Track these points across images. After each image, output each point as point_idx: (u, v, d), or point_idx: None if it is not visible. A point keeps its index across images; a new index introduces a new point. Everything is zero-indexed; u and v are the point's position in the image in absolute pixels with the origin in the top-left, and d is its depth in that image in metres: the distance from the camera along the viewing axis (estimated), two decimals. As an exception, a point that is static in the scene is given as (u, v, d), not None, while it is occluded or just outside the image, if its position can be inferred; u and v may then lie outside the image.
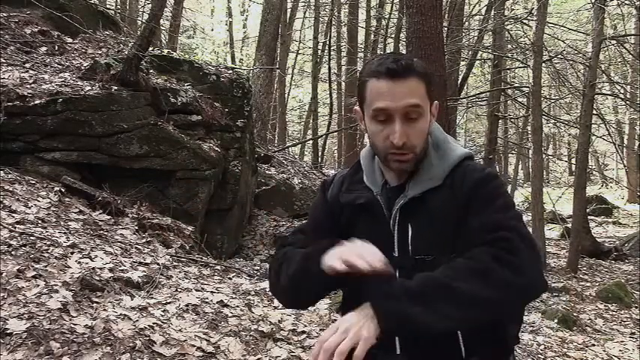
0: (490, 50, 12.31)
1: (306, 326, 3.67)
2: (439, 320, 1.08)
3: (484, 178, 1.24)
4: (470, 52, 12.76)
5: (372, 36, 15.71)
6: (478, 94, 14.38)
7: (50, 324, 2.83)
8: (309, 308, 3.98)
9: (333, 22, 16.00)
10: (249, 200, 7.21)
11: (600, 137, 11.95)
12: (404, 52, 8.00)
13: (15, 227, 3.74)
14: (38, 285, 3.15)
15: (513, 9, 14.24)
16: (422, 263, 1.21)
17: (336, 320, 1.36)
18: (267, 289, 4.00)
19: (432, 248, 1.23)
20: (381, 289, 1.13)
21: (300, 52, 19.02)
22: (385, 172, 1.34)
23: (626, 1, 10.72)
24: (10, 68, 5.39)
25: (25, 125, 4.99)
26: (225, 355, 3.08)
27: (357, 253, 1.13)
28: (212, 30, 22.52)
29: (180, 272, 4.15)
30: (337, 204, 1.38)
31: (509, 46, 12.66)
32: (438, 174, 1.27)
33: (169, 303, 3.50)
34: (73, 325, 2.89)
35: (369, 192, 1.32)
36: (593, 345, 4.83)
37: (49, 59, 5.87)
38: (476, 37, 12.49)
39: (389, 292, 1.11)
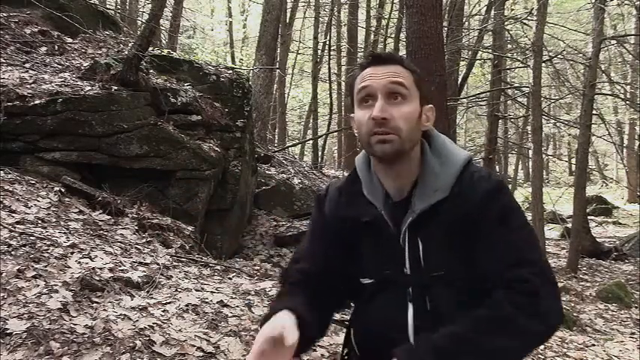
0: (490, 50, 12.30)
1: (306, 326, 3.67)
2: None
3: (495, 189, 1.19)
4: (470, 52, 12.75)
5: (372, 36, 15.70)
6: (478, 94, 14.38)
7: (50, 324, 2.83)
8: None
9: (333, 22, 16.00)
10: (249, 200, 7.21)
11: (600, 137, 11.96)
12: (404, 52, 7.99)
13: (15, 227, 3.74)
14: (38, 285, 3.15)
15: (513, 9, 14.24)
16: (436, 279, 1.18)
17: (334, 320, 1.38)
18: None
19: (445, 264, 1.18)
20: (407, 348, 1.09)
21: (300, 52, 19.01)
22: (385, 181, 1.27)
23: (626, 1, 10.72)
24: (10, 68, 5.39)
25: (25, 125, 4.99)
26: (225, 355, 3.08)
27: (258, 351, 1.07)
28: (212, 30, 22.52)
29: (180, 272, 4.15)
30: (337, 219, 1.31)
31: (509, 46, 12.67)
32: (445, 184, 1.20)
33: (169, 303, 3.50)
34: (73, 325, 2.89)
35: (372, 207, 1.25)
36: (593, 345, 4.83)
37: (49, 59, 5.87)
38: (476, 37, 12.49)
39: (415, 352, 1.08)
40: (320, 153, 13.12)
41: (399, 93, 1.19)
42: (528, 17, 10.31)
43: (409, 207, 1.21)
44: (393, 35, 14.58)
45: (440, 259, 1.18)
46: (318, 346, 3.41)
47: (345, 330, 1.40)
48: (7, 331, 2.69)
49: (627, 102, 13.75)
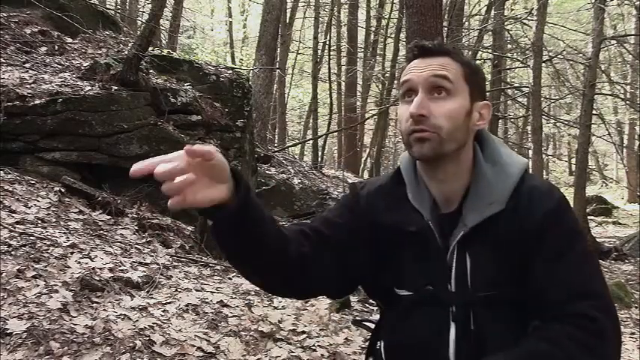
0: (490, 50, 12.31)
1: (306, 326, 3.67)
2: None
3: (557, 210, 1.07)
4: (470, 52, 12.75)
5: (372, 36, 15.72)
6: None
7: (50, 324, 2.83)
8: (310, 308, 3.98)
9: (333, 22, 16.00)
10: (249, 200, 7.21)
11: (600, 137, 11.96)
12: (404, 52, 7.98)
13: (15, 227, 3.74)
14: (38, 285, 3.15)
15: (513, 9, 14.24)
16: (482, 300, 1.07)
17: (334, 320, 1.33)
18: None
19: (493, 283, 1.06)
20: None
21: (300, 52, 19.01)
22: (430, 186, 1.15)
23: (626, 1, 10.72)
24: (10, 68, 5.39)
25: (25, 125, 4.99)
26: (225, 355, 3.08)
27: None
28: (212, 30, 22.52)
29: (180, 272, 4.15)
30: (375, 224, 1.17)
31: (509, 46, 12.67)
32: (500, 196, 1.08)
33: (169, 303, 3.50)
34: (73, 325, 2.89)
35: (418, 215, 1.13)
36: (593, 345, 4.83)
37: (49, 59, 5.87)
38: (476, 37, 12.49)
39: None
40: (320, 153, 13.11)
41: (442, 87, 1.08)
42: (528, 17, 10.31)
43: (459, 219, 1.10)
44: (393, 35, 14.59)
45: (488, 278, 1.07)
46: (318, 346, 3.41)
47: (369, 337, 1.29)
48: (7, 331, 2.69)
49: (627, 102, 13.76)
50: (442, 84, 1.08)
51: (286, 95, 17.13)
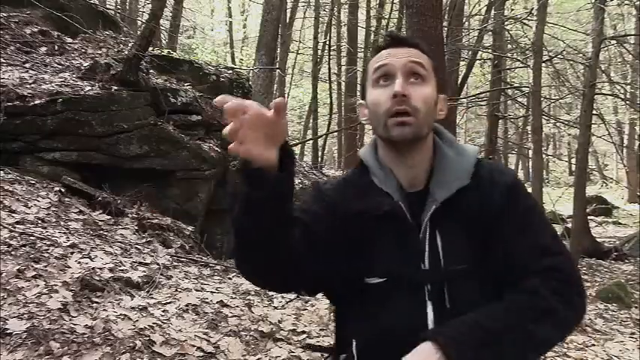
0: (490, 50, 12.30)
1: (306, 326, 3.67)
2: None
3: (515, 184, 1.17)
4: (470, 52, 12.75)
5: (372, 36, 15.69)
6: (478, 94, 14.36)
7: (50, 324, 2.83)
8: (309, 308, 3.98)
9: (333, 22, 15.99)
10: (249, 200, 7.21)
11: (600, 137, 11.94)
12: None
13: (15, 227, 3.74)
14: (38, 285, 3.15)
15: (513, 9, 14.24)
16: (456, 274, 1.10)
17: (334, 320, 1.29)
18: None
19: (464, 257, 1.11)
20: (451, 332, 1.02)
21: (300, 52, 19.00)
22: (397, 171, 1.18)
23: (626, 1, 10.72)
24: (10, 68, 5.39)
25: (25, 125, 4.99)
26: (225, 355, 3.08)
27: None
28: (212, 30, 22.52)
29: (180, 272, 4.15)
30: (344, 214, 1.17)
31: (509, 46, 12.66)
32: (464, 171, 1.15)
33: (169, 303, 3.50)
34: (73, 325, 2.89)
35: (388, 197, 1.15)
36: (593, 345, 4.82)
37: (49, 59, 5.87)
38: (476, 37, 12.49)
39: (460, 336, 1.01)
40: (320, 153, 13.12)
41: (418, 73, 1.14)
42: (528, 17, 10.31)
43: (427, 198, 1.14)
44: (393, 35, 14.54)
45: (459, 252, 1.11)
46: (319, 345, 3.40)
47: (335, 336, 1.26)
48: (7, 331, 2.69)
49: (627, 102, 13.74)
50: (418, 70, 1.15)
51: (286, 95, 17.13)
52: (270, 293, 4.03)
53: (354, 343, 1.15)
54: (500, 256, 1.11)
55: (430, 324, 1.08)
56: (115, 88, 5.38)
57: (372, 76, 1.17)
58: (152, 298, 3.51)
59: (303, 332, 3.57)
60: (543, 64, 9.61)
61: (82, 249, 3.79)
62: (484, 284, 1.11)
